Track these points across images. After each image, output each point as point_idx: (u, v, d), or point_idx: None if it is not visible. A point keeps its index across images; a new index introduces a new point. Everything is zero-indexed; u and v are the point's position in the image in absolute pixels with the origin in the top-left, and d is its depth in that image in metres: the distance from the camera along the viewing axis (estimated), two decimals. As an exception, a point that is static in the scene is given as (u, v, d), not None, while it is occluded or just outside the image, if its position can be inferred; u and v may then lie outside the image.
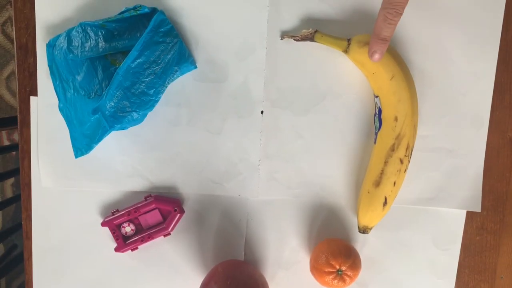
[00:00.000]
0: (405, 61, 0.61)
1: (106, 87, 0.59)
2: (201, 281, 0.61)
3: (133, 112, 0.59)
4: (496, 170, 0.65)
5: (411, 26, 0.62)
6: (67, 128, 0.62)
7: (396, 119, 0.59)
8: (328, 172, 0.65)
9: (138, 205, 0.64)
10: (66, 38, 0.59)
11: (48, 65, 0.61)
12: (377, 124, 0.61)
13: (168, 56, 0.59)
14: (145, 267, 0.67)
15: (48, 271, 0.68)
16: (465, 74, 0.63)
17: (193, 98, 0.64)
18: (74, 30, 0.59)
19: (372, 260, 0.66)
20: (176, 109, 0.64)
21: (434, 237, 0.66)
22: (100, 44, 0.59)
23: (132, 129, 0.62)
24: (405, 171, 0.61)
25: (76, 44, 0.59)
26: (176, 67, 0.60)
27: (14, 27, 0.64)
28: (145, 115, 0.60)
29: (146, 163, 0.65)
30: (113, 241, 0.65)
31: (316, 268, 0.61)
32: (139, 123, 0.60)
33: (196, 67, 0.63)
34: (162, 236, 0.65)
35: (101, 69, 0.61)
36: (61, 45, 0.60)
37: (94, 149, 0.59)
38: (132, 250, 0.65)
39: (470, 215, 0.66)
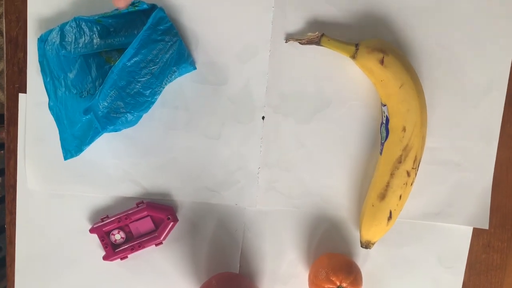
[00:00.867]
0: (415, 70, 0.59)
1: (100, 86, 0.57)
2: (194, 294, 0.59)
3: (128, 114, 0.57)
4: (505, 186, 0.63)
5: (422, 34, 0.60)
6: (56, 128, 0.60)
7: (404, 129, 0.57)
8: (330, 183, 0.63)
9: (129, 212, 0.62)
10: (59, 33, 0.58)
11: (39, 61, 0.60)
12: (384, 134, 0.59)
13: (167, 56, 0.57)
14: (134, 278, 0.65)
15: (32, 280, 0.65)
16: (476, 86, 0.61)
17: (191, 101, 0.62)
18: (67, 25, 0.58)
19: (374, 277, 0.64)
20: (173, 111, 0.62)
21: (438, 254, 0.64)
22: (94, 41, 0.57)
23: (126, 132, 0.60)
24: (411, 184, 0.59)
25: (70, 40, 0.57)
26: (174, 68, 0.58)
27: (4, 20, 0.61)
28: (140, 117, 0.59)
29: (139, 167, 0.63)
30: (102, 249, 0.63)
31: (315, 284, 0.59)
32: (133, 125, 0.58)
33: (195, 68, 0.61)
34: (154, 245, 0.63)
35: (95, 67, 0.59)
36: (54, 40, 0.58)
37: (84, 151, 0.58)
38: (122, 259, 0.63)
39: (476, 232, 0.64)
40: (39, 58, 0.59)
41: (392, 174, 0.58)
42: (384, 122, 0.59)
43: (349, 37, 0.59)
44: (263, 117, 0.62)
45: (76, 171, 0.63)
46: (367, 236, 0.61)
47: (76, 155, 0.58)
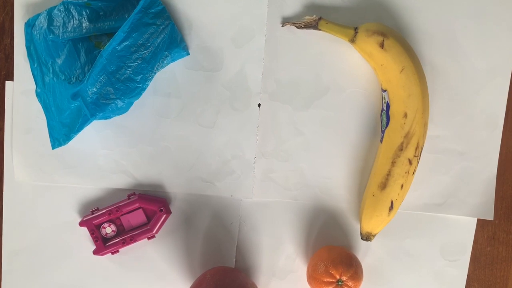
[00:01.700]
0: (416, 55, 0.57)
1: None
2: (187, 289, 0.57)
3: (118, 100, 0.55)
4: (510, 175, 0.62)
5: (423, 18, 0.59)
6: (45, 118, 0.59)
7: (405, 115, 0.55)
8: (329, 173, 0.61)
9: (120, 204, 0.61)
10: (47, 17, 0.56)
11: (26, 46, 0.58)
12: (385, 121, 0.58)
13: (158, 40, 0.56)
14: (126, 273, 0.63)
15: (19, 275, 0.64)
16: (479, 71, 0.60)
17: (184, 87, 0.60)
18: (56, 8, 0.56)
19: (375, 270, 0.63)
20: (166, 99, 0.60)
21: (441, 246, 0.63)
22: (84, 25, 0.56)
23: (116, 120, 0.59)
24: (413, 173, 0.58)
25: (58, 24, 0.56)
26: (166, 52, 0.57)
27: (-11, 4, 0.60)
28: (131, 103, 0.57)
29: (131, 158, 0.61)
30: (92, 243, 0.62)
31: (314, 278, 0.58)
32: (124, 112, 0.57)
33: (188, 53, 0.59)
34: (146, 239, 0.61)
35: (84, 52, 0.57)
36: (41, 25, 0.57)
37: (73, 140, 0.57)
38: (113, 253, 0.62)
39: (481, 224, 0.63)
40: (26, 43, 0.58)
41: (393, 163, 0.57)
42: (385, 108, 0.58)
43: (348, 21, 0.58)
44: (259, 105, 0.60)
45: (65, 162, 0.61)
46: (368, 227, 0.59)
47: (65, 144, 0.57)
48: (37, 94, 0.58)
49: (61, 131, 0.56)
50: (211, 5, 0.59)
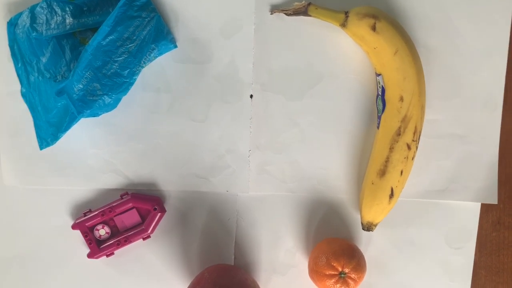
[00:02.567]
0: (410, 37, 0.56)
1: (75, 69, 0.54)
2: (185, 288, 0.56)
3: (105, 96, 0.54)
4: None
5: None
6: (31, 118, 0.58)
7: (401, 99, 0.54)
8: (326, 164, 0.60)
9: (113, 204, 0.60)
10: (30, 15, 0.56)
11: (9, 46, 0.58)
12: (380, 106, 0.56)
13: (144, 33, 0.55)
14: (122, 275, 0.63)
15: (10, 283, 0.63)
16: (474, 51, 0.59)
17: (174, 81, 0.59)
18: (38, 6, 0.56)
19: (378, 261, 0.62)
20: (155, 94, 0.59)
21: (446, 234, 0.62)
22: (67, 21, 0.55)
23: (105, 117, 0.58)
24: (412, 158, 0.56)
25: (41, 22, 0.56)
26: (153, 45, 0.56)
27: (-30, 4, 0.59)
28: (119, 99, 0.56)
29: (122, 156, 0.60)
30: (86, 246, 0.61)
31: (316, 272, 0.57)
32: (112, 109, 0.56)
33: (176, 46, 0.58)
34: (141, 239, 0.60)
35: (68, 49, 0.57)
36: (24, 23, 0.56)
37: (62, 141, 0.57)
38: (107, 255, 0.61)
39: (485, 209, 0.61)
40: (9, 43, 0.58)
41: (391, 148, 0.55)
42: (380, 93, 0.56)
43: (338, 5, 0.57)
44: (251, 96, 0.59)
45: (54, 164, 0.60)
46: (369, 217, 0.58)
47: (53, 144, 0.56)
48: (23, 94, 0.58)
49: (49, 131, 0.56)
50: (197, -5, 0.58)
